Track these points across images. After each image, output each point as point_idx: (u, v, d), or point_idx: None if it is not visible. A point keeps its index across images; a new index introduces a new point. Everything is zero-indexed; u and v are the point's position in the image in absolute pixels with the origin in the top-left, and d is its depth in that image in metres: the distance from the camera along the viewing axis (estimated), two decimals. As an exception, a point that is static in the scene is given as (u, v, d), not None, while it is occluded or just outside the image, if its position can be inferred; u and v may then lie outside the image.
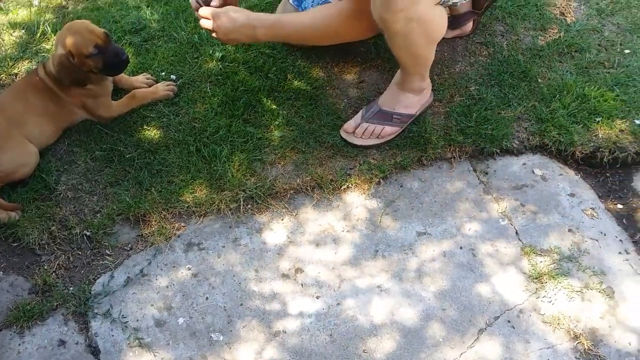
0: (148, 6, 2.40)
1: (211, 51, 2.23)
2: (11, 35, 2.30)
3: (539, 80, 2.12)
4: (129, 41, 2.27)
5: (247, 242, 1.79)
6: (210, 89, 2.13)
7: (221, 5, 1.88)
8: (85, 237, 1.77)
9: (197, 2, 1.85)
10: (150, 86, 2.12)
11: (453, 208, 1.87)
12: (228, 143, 1.97)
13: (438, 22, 1.75)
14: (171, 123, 2.04)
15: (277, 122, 2.04)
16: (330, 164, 1.96)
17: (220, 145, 1.96)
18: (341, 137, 2.02)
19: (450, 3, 1.80)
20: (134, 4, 2.42)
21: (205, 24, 1.81)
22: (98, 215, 1.83)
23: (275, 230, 1.82)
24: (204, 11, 1.81)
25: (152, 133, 2.03)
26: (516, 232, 1.79)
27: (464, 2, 1.99)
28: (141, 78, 2.14)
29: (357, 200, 1.89)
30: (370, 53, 2.23)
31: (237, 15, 1.82)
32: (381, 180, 1.93)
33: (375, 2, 1.62)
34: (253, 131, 2.01)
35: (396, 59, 1.89)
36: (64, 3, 2.46)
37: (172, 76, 2.17)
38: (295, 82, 2.15)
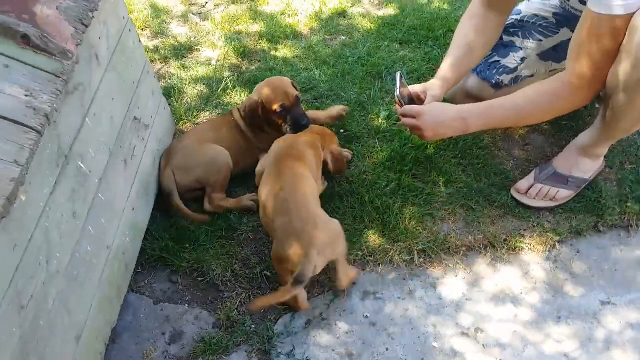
0: (317, 68, 2.56)
1: (377, 110, 2.32)
2: (194, 88, 2.52)
3: None
4: (302, 99, 2.41)
5: (422, 296, 1.77)
6: (378, 144, 2.20)
7: (421, 102, 1.84)
8: (265, 277, 1.83)
9: (399, 99, 1.78)
10: (321, 138, 2.22)
11: (636, 279, 1.77)
12: (399, 196, 2.00)
13: None
14: (342, 175, 2.11)
15: (444, 179, 2.06)
16: (502, 224, 1.94)
17: (391, 198, 1.99)
18: (512, 196, 2.00)
19: None
20: (304, 66, 2.59)
21: (410, 122, 1.76)
22: (275, 257, 1.90)
23: (450, 285, 1.80)
24: (407, 109, 1.76)
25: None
26: None
27: None
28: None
29: (533, 262, 1.84)
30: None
31: (446, 107, 1.77)
32: (556, 243, 1.88)
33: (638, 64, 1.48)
34: (422, 186, 2.04)
35: (610, 124, 1.76)
36: (238, 63, 2.67)
37: (341, 130, 2.27)
38: (461, 141, 2.18)
